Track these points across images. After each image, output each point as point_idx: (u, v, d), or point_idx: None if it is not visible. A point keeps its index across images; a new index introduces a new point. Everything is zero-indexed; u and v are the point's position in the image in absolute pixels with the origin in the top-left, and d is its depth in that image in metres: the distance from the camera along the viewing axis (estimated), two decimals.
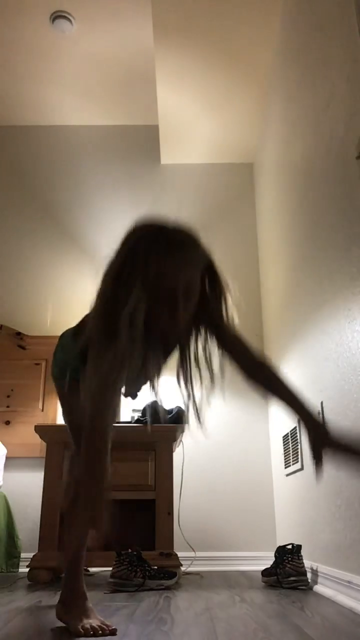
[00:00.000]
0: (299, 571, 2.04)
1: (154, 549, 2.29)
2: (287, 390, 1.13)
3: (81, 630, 1.18)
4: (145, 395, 1.30)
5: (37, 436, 2.56)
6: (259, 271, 3.51)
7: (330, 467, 1.90)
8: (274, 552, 2.17)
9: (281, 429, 2.81)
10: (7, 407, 3.19)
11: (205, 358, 1.18)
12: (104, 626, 1.20)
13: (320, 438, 1.04)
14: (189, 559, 2.62)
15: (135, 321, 1.02)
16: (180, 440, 2.62)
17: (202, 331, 1.18)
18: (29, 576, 2.27)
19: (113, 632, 1.19)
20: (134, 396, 1.32)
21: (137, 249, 1.07)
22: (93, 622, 1.21)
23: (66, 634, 1.21)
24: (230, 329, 1.16)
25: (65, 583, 1.31)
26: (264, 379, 1.15)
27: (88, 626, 1.19)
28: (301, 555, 2.09)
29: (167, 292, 1.05)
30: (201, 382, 1.17)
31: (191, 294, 1.09)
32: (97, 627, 1.19)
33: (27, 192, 3.75)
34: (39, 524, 2.36)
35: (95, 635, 1.17)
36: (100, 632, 1.18)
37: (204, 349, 1.18)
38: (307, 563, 2.11)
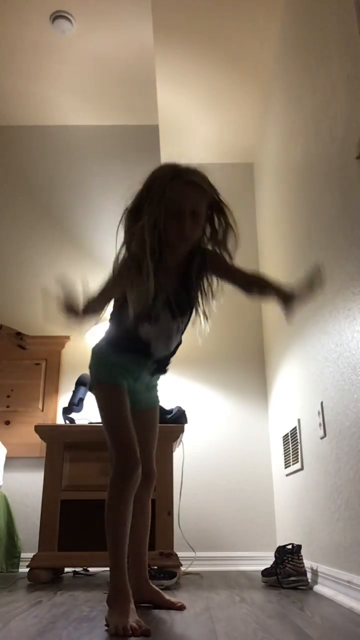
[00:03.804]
0: (299, 571, 2.04)
1: (154, 549, 2.28)
2: (270, 285, 1.45)
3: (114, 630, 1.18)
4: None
5: (37, 436, 2.56)
6: (259, 271, 3.51)
7: (330, 467, 1.90)
8: (274, 552, 2.17)
9: (281, 429, 2.81)
10: (7, 407, 3.19)
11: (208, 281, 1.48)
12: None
13: (289, 300, 1.37)
14: (189, 559, 2.62)
15: (148, 227, 1.32)
16: (180, 440, 2.62)
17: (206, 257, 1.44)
18: (29, 576, 2.27)
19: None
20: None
21: (157, 181, 1.36)
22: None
23: (66, 634, 1.21)
24: (229, 257, 1.46)
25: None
26: (258, 290, 1.48)
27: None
28: (301, 555, 2.08)
29: (176, 211, 1.34)
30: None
31: (196, 216, 1.36)
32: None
33: (27, 192, 3.76)
34: (39, 524, 2.36)
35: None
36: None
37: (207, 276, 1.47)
38: (307, 563, 2.11)
